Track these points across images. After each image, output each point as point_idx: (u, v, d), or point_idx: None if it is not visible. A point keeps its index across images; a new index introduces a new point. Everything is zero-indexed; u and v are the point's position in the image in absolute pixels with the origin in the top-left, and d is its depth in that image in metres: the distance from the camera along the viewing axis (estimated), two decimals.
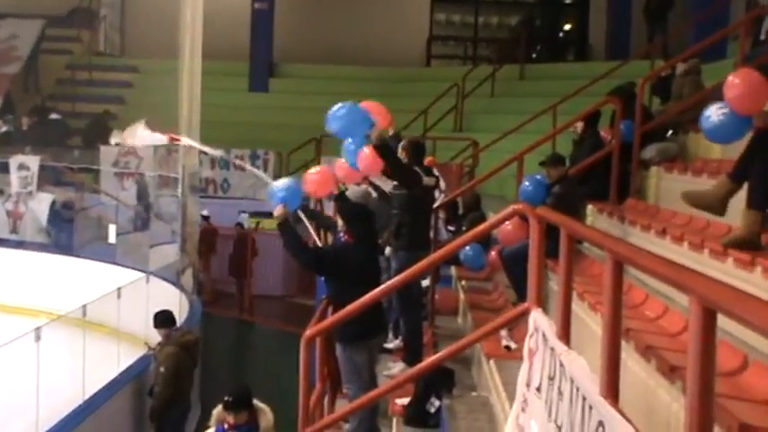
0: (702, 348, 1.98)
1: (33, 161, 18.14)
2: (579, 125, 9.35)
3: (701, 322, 1.99)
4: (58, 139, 20.83)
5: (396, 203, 7.47)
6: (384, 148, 7.14)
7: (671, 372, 3.70)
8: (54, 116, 21.64)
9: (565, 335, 3.50)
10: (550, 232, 4.18)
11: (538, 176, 8.41)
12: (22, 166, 18.05)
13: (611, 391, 2.76)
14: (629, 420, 2.48)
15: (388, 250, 7.73)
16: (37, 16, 23.66)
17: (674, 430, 3.58)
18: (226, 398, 6.76)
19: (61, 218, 17.97)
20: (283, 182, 6.91)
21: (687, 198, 5.69)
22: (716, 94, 8.41)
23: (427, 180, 7.70)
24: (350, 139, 7.36)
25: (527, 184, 8.22)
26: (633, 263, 2.70)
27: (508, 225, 7.68)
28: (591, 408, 2.75)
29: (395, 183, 7.50)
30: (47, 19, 23.81)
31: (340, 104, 7.09)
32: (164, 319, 9.98)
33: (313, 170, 7.76)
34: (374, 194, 7.95)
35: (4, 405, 9.05)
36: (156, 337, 10.15)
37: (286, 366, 10.72)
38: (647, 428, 3.29)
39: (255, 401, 6.74)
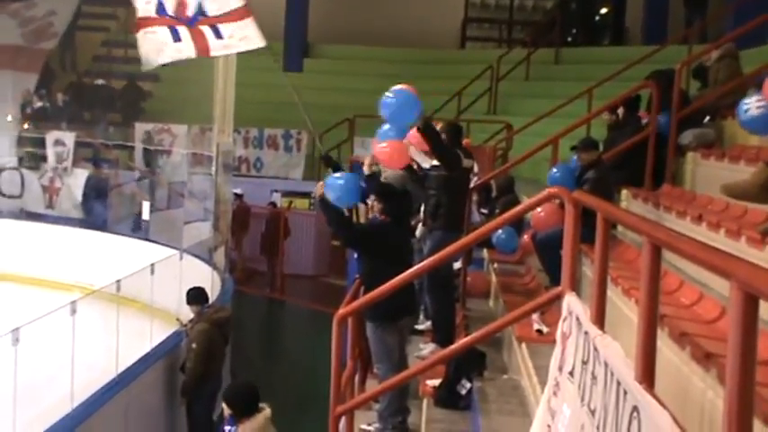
0: (743, 335, 1.97)
1: (69, 137, 18.32)
2: (620, 111, 9.27)
3: (742, 308, 1.98)
4: (103, 103, 21.10)
5: (434, 184, 7.46)
6: (429, 130, 7.13)
7: (706, 359, 3.68)
8: (100, 81, 21.88)
9: (599, 319, 3.48)
10: (584, 217, 4.17)
11: (568, 163, 8.39)
12: (58, 142, 18.24)
13: (647, 376, 2.75)
14: (664, 406, 2.47)
15: (419, 231, 7.72)
16: None
17: (709, 418, 3.56)
18: None
19: (96, 194, 18.15)
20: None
21: (726, 191, 5.63)
22: (754, 80, 8.34)
23: (467, 162, 7.70)
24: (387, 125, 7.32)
25: (555, 170, 8.21)
26: (672, 248, 2.68)
27: (540, 211, 7.65)
28: (626, 393, 2.75)
29: (433, 163, 7.48)
30: None
31: (392, 90, 6.95)
32: (196, 296, 10.06)
33: (384, 144, 7.39)
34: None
35: (40, 377, 9.19)
36: (188, 314, 10.24)
37: (316, 345, 10.79)
38: (680, 415, 3.26)
39: (262, 406, 6.33)
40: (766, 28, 12.37)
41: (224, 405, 6.41)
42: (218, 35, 9.23)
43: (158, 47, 9.38)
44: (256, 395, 6.37)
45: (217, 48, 9.35)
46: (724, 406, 2.06)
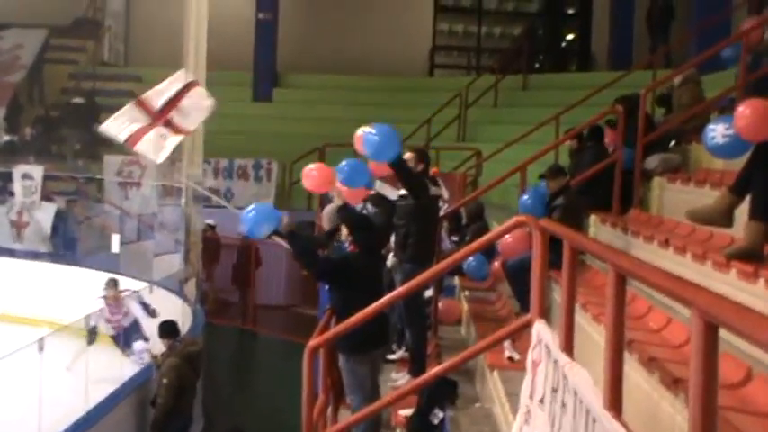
0: (704, 362, 1.99)
1: (37, 170, 18.20)
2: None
3: (703, 336, 2.00)
4: (85, 121, 20.97)
5: (401, 214, 7.44)
6: (397, 160, 7.14)
7: (674, 384, 3.70)
8: (77, 100, 21.72)
9: (568, 347, 3.50)
10: (553, 244, 4.19)
11: (538, 188, 8.43)
12: (26, 176, 18.11)
13: (615, 404, 2.76)
14: None
15: (390, 262, 7.70)
16: (41, 26, 23.76)
17: None
18: None
19: (65, 227, 18.02)
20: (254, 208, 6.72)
21: (691, 217, 5.69)
22: (716, 105, 8.46)
23: (434, 190, 7.68)
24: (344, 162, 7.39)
25: (526, 197, 8.26)
26: (635, 276, 2.71)
27: (508, 238, 7.67)
28: (594, 421, 2.76)
29: (400, 193, 7.48)
30: (51, 29, 23.91)
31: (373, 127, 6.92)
32: (167, 329, 9.98)
33: (312, 166, 7.59)
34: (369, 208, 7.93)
35: (6, 415, 9.06)
36: (159, 346, 10.16)
37: (288, 376, 10.71)
38: None
39: None
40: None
41: None
42: (185, 114, 10.00)
43: (156, 146, 10.05)
44: None
45: (189, 124, 10.03)
46: (688, 431, 2.08)
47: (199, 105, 9.69)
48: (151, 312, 12.08)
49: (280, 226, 6.63)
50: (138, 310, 12.25)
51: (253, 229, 6.61)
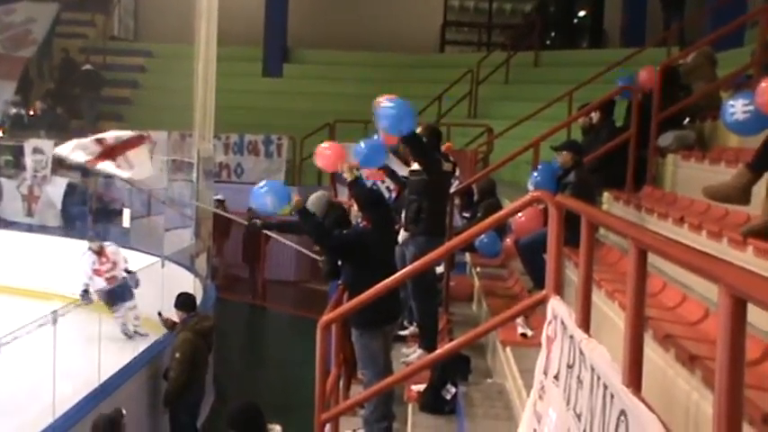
0: (732, 339, 1.97)
1: (48, 145, 18.19)
2: (594, 115, 9.32)
3: (731, 312, 1.98)
4: (93, 87, 21.00)
5: (414, 189, 7.44)
6: (410, 135, 7.13)
7: (690, 361, 3.69)
8: (87, 67, 21.73)
9: (585, 323, 3.48)
10: (567, 220, 4.17)
11: (549, 164, 8.40)
12: (36, 150, 18.11)
13: (635, 380, 2.75)
14: (652, 410, 2.47)
15: (401, 237, 7.69)
16: (52, 0, 23.69)
17: (694, 420, 3.57)
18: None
19: (75, 201, 18.04)
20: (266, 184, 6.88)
21: (707, 193, 5.66)
22: (731, 82, 8.41)
23: (446, 166, 7.68)
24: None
25: (536, 174, 8.23)
26: (658, 251, 2.68)
27: (521, 216, 7.65)
28: (612, 396, 2.75)
29: (412, 168, 7.47)
30: (61, 3, 23.83)
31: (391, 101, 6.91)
32: (185, 302, 10.01)
33: (325, 144, 7.58)
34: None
35: (21, 387, 9.10)
36: (172, 317, 10.20)
37: (298, 351, 10.78)
38: (665, 418, 3.27)
39: (272, 426, 6.04)
40: (743, 30, 12.49)
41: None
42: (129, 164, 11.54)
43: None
44: (257, 414, 6.03)
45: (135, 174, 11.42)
46: (714, 410, 2.06)
47: (141, 161, 11.01)
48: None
49: (290, 204, 6.65)
50: (123, 263, 13.13)
51: (262, 204, 6.66)
